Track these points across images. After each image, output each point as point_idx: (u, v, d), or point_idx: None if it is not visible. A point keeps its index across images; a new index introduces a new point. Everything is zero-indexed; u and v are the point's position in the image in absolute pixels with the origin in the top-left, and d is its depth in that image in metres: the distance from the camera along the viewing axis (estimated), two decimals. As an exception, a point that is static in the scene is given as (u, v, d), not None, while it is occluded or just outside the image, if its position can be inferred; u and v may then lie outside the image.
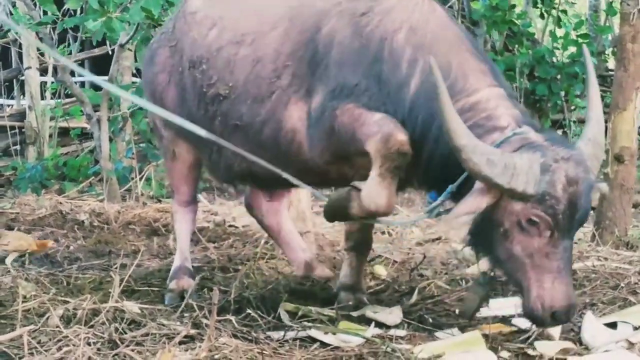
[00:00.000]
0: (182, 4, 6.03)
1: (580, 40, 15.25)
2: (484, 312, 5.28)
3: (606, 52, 17.31)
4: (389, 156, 4.65)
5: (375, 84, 4.79)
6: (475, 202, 4.28)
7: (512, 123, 4.48)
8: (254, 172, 5.34)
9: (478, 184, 4.30)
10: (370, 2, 4.97)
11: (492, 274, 4.81)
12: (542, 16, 16.01)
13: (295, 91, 5.04)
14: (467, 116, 4.47)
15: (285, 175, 4.79)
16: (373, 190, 4.76)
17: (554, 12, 15.68)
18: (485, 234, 4.45)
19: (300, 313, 5.12)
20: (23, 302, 5.03)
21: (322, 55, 4.96)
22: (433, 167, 4.72)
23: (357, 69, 4.83)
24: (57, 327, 4.58)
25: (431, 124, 4.63)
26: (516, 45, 15.25)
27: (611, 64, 18.59)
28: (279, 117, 5.09)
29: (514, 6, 15.32)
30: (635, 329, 4.69)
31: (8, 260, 6.52)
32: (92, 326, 4.61)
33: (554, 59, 15.55)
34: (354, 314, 5.22)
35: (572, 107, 16.01)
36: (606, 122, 7.96)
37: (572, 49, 15.47)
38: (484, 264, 4.79)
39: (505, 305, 5.23)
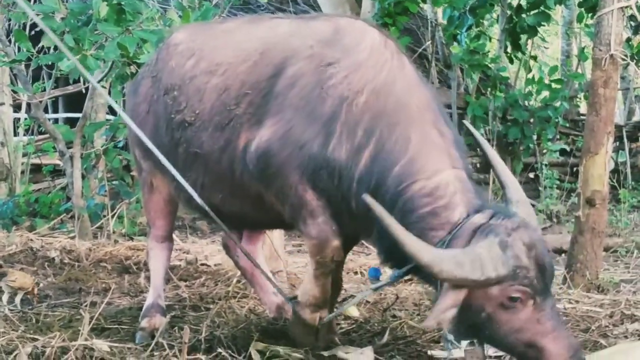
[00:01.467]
0: (168, 37, 6.12)
1: (553, 85, 15.43)
2: (455, 353, 5.27)
3: (578, 97, 17.48)
4: (322, 263, 4.88)
5: (325, 146, 4.76)
6: (453, 297, 4.27)
7: (463, 213, 4.46)
8: (213, 205, 5.35)
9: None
10: (339, 54, 4.93)
11: None
12: (511, 61, 16.18)
13: (247, 120, 5.06)
14: (425, 201, 4.48)
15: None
16: (308, 286, 5.05)
17: (525, 56, 15.86)
18: (469, 322, 4.40)
19: (270, 353, 5.09)
20: (-9, 339, 4.98)
21: (280, 92, 4.96)
22: (378, 236, 4.71)
23: (312, 121, 4.81)
24: (25, 364, 4.53)
25: (378, 193, 4.59)
26: (489, 89, 15.39)
27: (583, 108, 18.80)
28: (234, 145, 5.11)
29: (487, 51, 15.50)
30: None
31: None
32: (60, 364, 4.57)
33: (527, 103, 15.71)
34: (326, 353, 5.18)
35: (544, 151, 16.13)
36: (578, 166, 8.04)
37: (545, 94, 15.64)
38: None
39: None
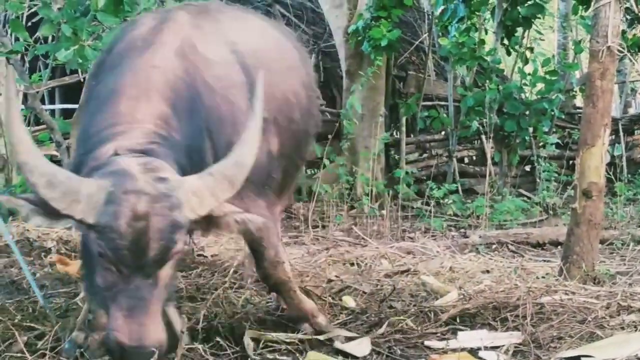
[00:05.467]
0: None
1: (548, 77, 15.43)
2: (451, 343, 5.30)
3: (574, 90, 17.50)
4: None
5: None
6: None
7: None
8: None
9: None
10: None
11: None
12: (508, 53, 16.18)
13: None
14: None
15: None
16: None
17: (521, 49, 15.86)
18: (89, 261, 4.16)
19: (265, 341, 5.11)
20: (-12, 328, 4.99)
21: None
22: None
23: None
24: (21, 352, 4.54)
25: None
26: (485, 81, 15.39)
27: (579, 101, 18.83)
28: None
29: (483, 42, 15.49)
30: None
31: None
32: (57, 352, 4.58)
33: (523, 96, 15.71)
34: (322, 337, 5.22)
35: (540, 144, 16.14)
36: (574, 159, 8.04)
37: (541, 86, 15.64)
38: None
39: (473, 337, 5.27)
